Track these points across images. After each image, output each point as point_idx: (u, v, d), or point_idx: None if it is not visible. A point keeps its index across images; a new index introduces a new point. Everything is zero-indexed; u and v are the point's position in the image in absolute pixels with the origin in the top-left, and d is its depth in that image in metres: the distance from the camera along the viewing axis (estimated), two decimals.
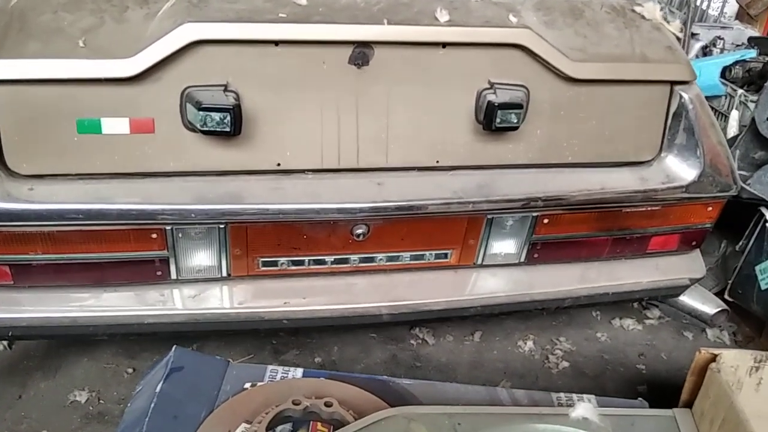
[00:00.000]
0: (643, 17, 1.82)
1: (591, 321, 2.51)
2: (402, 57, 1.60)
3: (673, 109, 1.80)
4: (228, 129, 1.48)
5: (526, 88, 1.66)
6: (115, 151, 1.54)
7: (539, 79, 1.68)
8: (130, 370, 2.07)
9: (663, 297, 2.04)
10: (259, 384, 1.46)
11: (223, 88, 1.51)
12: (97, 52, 1.45)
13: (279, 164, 1.63)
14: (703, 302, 2.06)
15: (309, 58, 1.56)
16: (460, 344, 2.33)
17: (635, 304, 2.58)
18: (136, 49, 1.46)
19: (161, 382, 1.38)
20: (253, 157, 1.61)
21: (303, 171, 1.65)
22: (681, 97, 1.78)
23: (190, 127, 1.53)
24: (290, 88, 1.58)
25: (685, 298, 2.07)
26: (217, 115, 1.47)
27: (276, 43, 1.53)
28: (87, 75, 1.45)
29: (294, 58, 1.55)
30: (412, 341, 2.31)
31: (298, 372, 1.51)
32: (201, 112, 1.46)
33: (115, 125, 1.51)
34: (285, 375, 1.49)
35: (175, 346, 1.46)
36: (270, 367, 1.51)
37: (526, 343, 2.35)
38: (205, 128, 1.48)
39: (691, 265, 2.01)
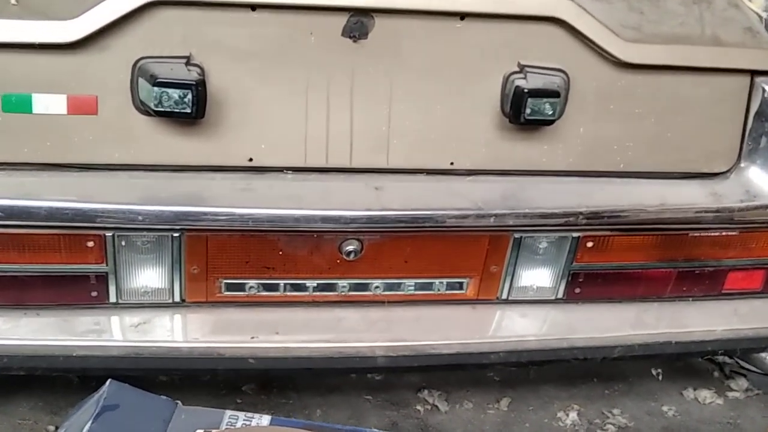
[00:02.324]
0: None
1: (655, 390, 2.55)
2: (409, 30, 1.70)
3: (754, 107, 1.88)
4: (188, 110, 1.58)
5: (565, 73, 1.75)
6: (47, 136, 1.64)
7: (582, 63, 1.77)
8: (51, 428, 2.14)
9: (743, 352, 2.10)
10: (214, 431, 1.52)
11: (184, 60, 1.61)
12: (32, 13, 1.56)
13: (251, 159, 1.73)
14: None
15: (293, 28, 1.66)
16: (482, 413, 2.38)
17: (716, 372, 2.63)
18: (79, 10, 1.56)
19: (90, 422, 1.44)
20: (219, 150, 1.71)
21: (281, 169, 1.75)
22: (764, 91, 1.86)
23: (143, 109, 1.63)
24: (268, 64, 1.68)
25: None
26: (175, 93, 1.57)
27: (252, 6, 1.63)
28: (17, 39, 1.55)
29: (274, 27, 1.65)
30: (419, 407, 2.37)
31: (264, 419, 1.56)
32: (156, 88, 1.56)
33: (49, 103, 1.62)
34: (248, 422, 1.55)
35: (110, 380, 1.53)
36: (229, 412, 1.58)
37: (568, 415, 2.39)
38: (161, 108, 1.57)
39: None
